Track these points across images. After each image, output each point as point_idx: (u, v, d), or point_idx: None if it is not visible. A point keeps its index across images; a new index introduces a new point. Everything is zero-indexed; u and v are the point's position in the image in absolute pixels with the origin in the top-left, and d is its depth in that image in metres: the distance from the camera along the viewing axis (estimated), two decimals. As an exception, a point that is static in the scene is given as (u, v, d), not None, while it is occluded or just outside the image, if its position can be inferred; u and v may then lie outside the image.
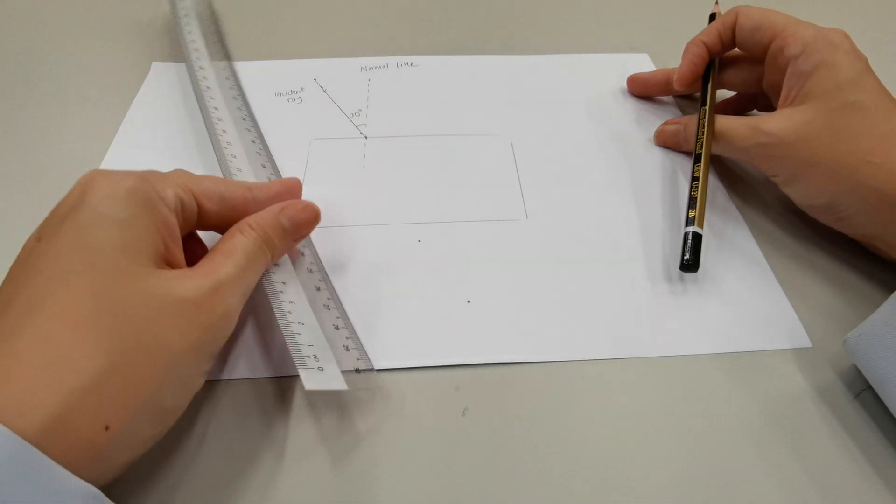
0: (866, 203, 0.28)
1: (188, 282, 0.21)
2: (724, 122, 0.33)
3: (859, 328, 0.25)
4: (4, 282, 0.20)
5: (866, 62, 0.31)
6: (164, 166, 0.35)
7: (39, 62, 0.42)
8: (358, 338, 0.27)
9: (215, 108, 0.36)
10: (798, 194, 0.32)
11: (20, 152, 0.36)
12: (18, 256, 0.21)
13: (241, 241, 0.24)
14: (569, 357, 0.27)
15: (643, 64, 0.44)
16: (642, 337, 0.28)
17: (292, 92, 0.41)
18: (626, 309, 0.29)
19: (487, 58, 0.44)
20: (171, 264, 0.23)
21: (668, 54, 0.44)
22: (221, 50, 0.42)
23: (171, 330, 0.20)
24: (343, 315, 0.28)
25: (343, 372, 0.25)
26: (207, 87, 0.37)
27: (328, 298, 0.28)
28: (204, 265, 0.23)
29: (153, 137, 0.37)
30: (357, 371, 0.26)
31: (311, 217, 0.28)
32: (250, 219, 0.25)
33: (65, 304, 0.18)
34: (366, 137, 0.38)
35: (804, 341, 0.28)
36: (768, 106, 0.38)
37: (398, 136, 0.38)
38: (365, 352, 0.27)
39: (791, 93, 0.32)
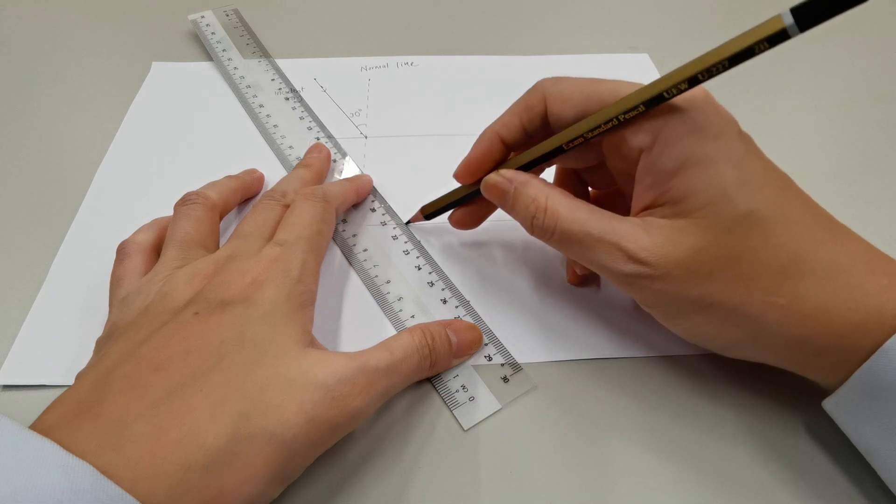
0: (772, 347, 0.22)
1: (331, 363, 0.22)
2: (574, 224, 0.23)
3: (835, 396, 0.22)
4: (156, 338, 0.22)
5: (746, 137, 0.22)
6: (163, 167, 0.35)
7: (39, 62, 0.42)
8: (500, 342, 0.28)
9: (248, 87, 0.40)
10: (682, 330, 0.24)
11: (20, 152, 0.36)
12: (168, 318, 0.22)
13: (405, 339, 0.24)
14: (569, 357, 0.27)
15: (643, 64, 0.44)
16: (646, 336, 0.28)
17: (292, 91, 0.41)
18: (631, 309, 0.29)
19: (487, 58, 0.44)
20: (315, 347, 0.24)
21: (668, 54, 0.44)
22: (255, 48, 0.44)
23: (296, 427, 0.20)
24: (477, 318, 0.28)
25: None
26: (235, 68, 0.42)
27: (456, 307, 0.29)
28: (356, 352, 0.23)
29: (153, 138, 0.37)
30: (505, 380, 0.26)
31: (476, 338, 0.27)
32: (422, 324, 0.25)
33: (213, 384, 0.20)
34: (366, 137, 0.38)
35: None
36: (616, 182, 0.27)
37: (398, 135, 0.38)
38: (510, 354, 0.27)
39: (649, 193, 0.22)
